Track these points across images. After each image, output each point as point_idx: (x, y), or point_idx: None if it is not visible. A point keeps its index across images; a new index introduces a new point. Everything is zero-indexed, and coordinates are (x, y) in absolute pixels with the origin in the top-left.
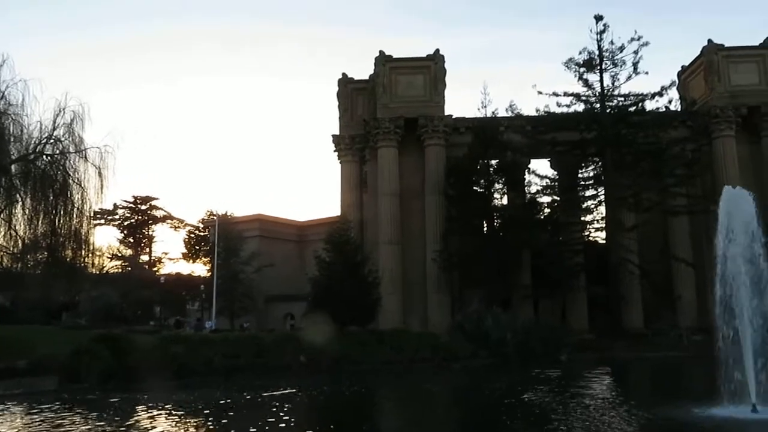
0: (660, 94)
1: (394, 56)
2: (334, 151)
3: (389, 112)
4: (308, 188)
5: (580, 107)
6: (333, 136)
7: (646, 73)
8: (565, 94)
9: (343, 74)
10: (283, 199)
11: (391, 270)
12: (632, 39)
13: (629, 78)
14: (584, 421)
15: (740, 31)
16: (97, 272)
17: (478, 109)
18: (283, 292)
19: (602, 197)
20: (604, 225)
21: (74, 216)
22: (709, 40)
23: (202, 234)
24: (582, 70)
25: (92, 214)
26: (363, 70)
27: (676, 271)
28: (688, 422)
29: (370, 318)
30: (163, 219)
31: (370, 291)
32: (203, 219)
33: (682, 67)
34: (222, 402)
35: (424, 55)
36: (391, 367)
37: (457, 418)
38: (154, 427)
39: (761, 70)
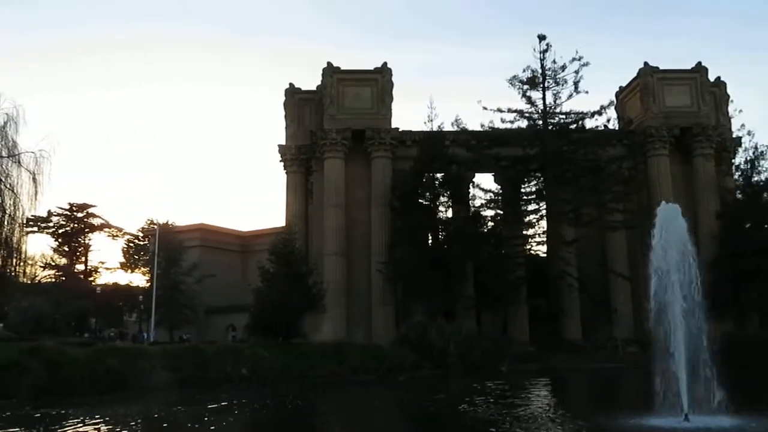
0: (599, 112)
1: (342, 68)
2: (280, 161)
3: (336, 124)
4: (253, 198)
5: (523, 123)
6: (279, 146)
7: (587, 92)
8: (509, 111)
9: (291, 84)
10: (227, 209)
11: (335, 281)
12: (573, 59)
13: (570, 96)
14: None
15: (674, 54)
16: (29, 282)
17: (425, 122)
18: (225, 303)
19: (544, 212)
20: (545, 239)
21: (5, 223)
22: (645, 63)
23: (141, 243)
24: (525, 87)
25: (25, 221)
26: (311, 81)
27: (612, 284)
28: (624, 431)
29: (314, 330)
30: (101, 227)
31: (314, 302)
32: (143, 228)
33: (620, 87)
34: (157, 416)
35: (372, 68)
36: (335, 379)
37: (398, 431)
38: None
39: (693, 92)
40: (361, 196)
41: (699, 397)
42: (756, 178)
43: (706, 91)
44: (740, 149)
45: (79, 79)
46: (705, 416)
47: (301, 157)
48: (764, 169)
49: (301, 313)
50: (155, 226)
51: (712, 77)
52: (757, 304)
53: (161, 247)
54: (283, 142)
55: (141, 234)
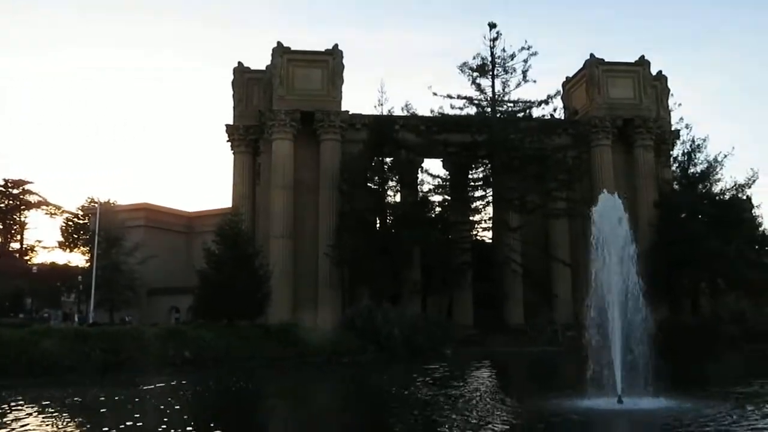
0: (546, 102)
1: (293, 48)
2: (228, 141)
3: (285, 105)
4: (199, 179)
5: (472, 110)
6: (227, 125)
7: (534, 81)
8: (459, 97)
9: (239, 63)
10: (172, 189)
11: (282, 264)
12: (522, 48)
13: (519, 85)
14: (459, 413)
15: (619, 47)
16: None
17: (375, 106)
18: (169, 284)
19: (490, 198)
20: (491, 225)
21: None
22: (592, 54)
23: (81, 222)
24: (475, 74)
25: None
26: (260, 60)
27: (554, 270)
28: (558, 412)
29: (260, 312)
30: (38, 205)
31: (260, 285)
32: (83, 206)
33: (567, 77)
34: (91, 399)
35: (323, 50)
36: (280, 362)
37: (338, 413)
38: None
39: (636, 85)
40: (310, 179)
41: (633, 380)
42: (692, 170)
43: (648, 85)
44: (678, 142)
45: (20, 47)
46: (637, 398)
47: (249, 138)
48: (700, 161)
49: (247, 295)
50: (96, 205)
51: (654, 71)
52: (689, 292)
53: (102, 226)
54: (231, 122)
55: (81, 213)
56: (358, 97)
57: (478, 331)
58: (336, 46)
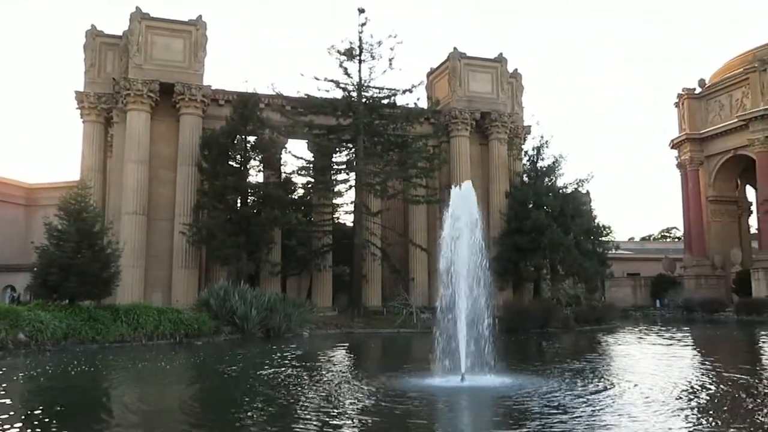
0: (410, 90)
1: (153, 15)
2: (77, 108)
3: (143, 74)
4: (45, 148)
5: (338, 94)
6: (76, 92)
7: (400, 69)
8: (326, 80)
9: (92, 26)
10: (10, 158)
11: (134, 242)
12: (390, 36)
13: (384, 72)
14: (310, 392)
15: (479, 44)
16: None
17: (240, 83)
18: (3, 261)
19: (353, 182)
20: (352, 209)
21: None
22: (455, 48)
23: None
24: (343, 58)
25: None
26: (117, 25)
27: (412, 255)
28: (405, 390)
29: (107, 293)
30: None
31: (107, 264)
32: None
33: (431, 68)
34: None
35: (186, 19)
36: (128, 344)
37: (183, 394)
38: None
39: (493, 80)
40: (167, 154)
41: (476, 359)
42: (540, 164)
43: (504, 81)
44: (529, 136)
45: None
46: (479, 376)
47: (101, 107)
48: (547, 156)
49: (92, 274)
50: None
51: (510, 69)
52: (531, 276)
53: None
54: (82, 89)
55: None
56: (223, 73)
57: (336, 312)
58: (200, 17)
